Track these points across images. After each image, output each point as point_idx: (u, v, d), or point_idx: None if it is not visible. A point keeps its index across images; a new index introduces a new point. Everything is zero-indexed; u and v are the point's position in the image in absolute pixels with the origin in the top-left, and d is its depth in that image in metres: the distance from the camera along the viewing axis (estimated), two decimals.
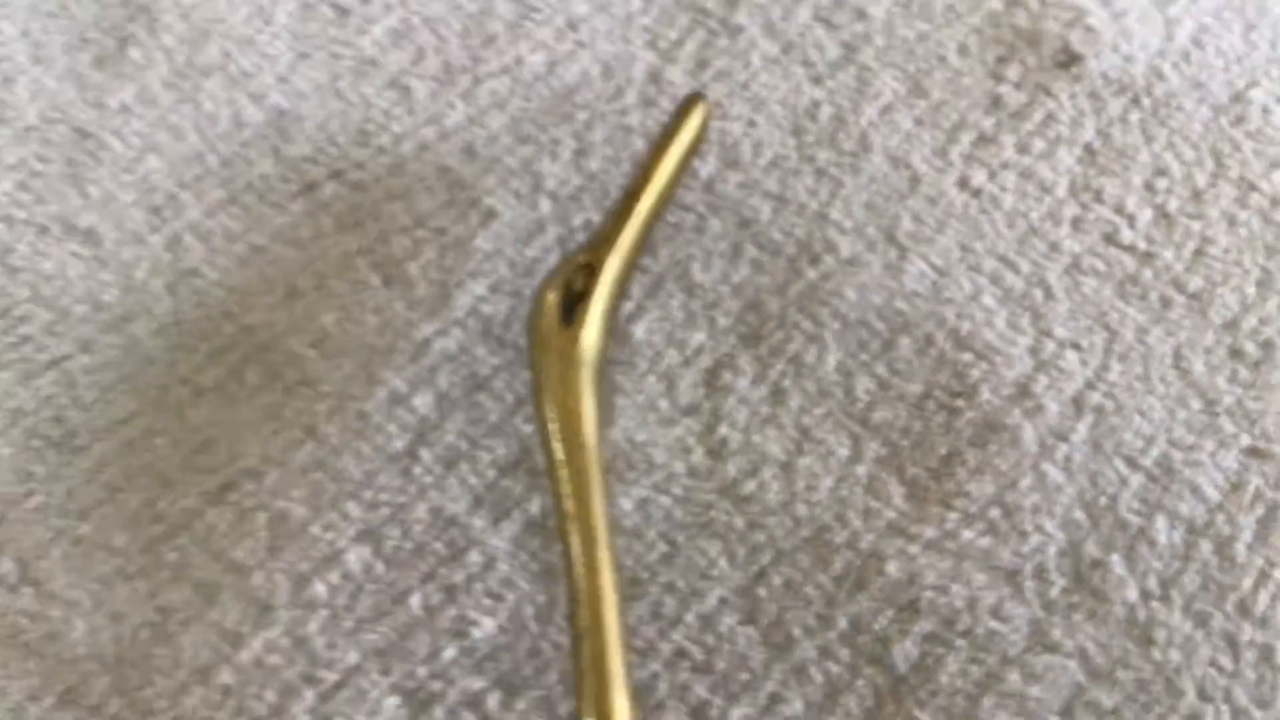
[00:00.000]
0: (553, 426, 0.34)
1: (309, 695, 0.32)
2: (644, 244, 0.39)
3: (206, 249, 0.41)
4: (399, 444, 0.37)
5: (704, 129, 0.41)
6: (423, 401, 0.37)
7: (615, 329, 0.38)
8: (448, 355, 0.39)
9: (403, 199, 0.42)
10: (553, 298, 0.37)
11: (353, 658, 0.33)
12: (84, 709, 0.32)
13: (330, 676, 0.32)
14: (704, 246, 0.41)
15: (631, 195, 0.39)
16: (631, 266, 0.39)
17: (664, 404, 0.38)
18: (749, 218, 0.42)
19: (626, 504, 0.35)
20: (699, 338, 0.39)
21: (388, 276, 0.40)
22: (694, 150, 0.41)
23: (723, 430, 0.37)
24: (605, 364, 0.37)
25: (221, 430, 0.37)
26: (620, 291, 0.38)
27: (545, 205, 0.42)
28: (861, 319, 0.39)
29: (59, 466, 0.36)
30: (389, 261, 0.41)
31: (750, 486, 0.36)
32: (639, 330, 0.39)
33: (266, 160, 0.44)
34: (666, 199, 0.40)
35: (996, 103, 0.45)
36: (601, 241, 0.38)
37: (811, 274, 0.40)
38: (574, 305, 0.36)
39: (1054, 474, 0.36)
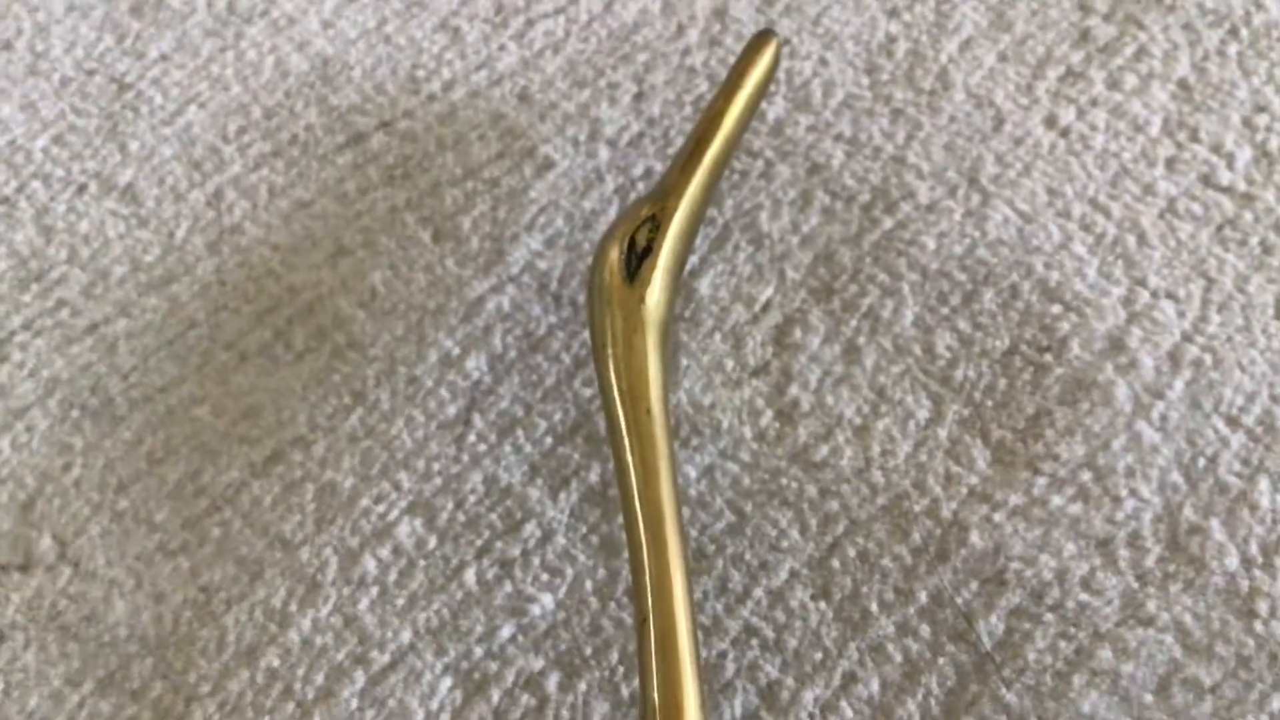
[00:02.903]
0: (616, 391, 0.32)
1: (359, 677, 0.31)
2: (711, 194, 0.37)
3: (250, 205, 0.40)
4: (451, 410, 0.35)
5: (774, 69, 0.39)
6: (476, 364, 0.36)
7: (681, 285, 0.36)
8: (501, 314, 0.37)
9: (454, 149, 0.41)
10: (615, 254, 0.35)
11: (405, 637, 0.31)
12: (125, 694, 0.31)
13: (381, 657, 0.31)
14: (772, 195, 0.39)
15: (698, 142, 0.37)
16: (698, 218, 0.36)
17: (730, 364, 0.36)
18: (820, 163, 0.40)
19: (691, 471, 0.34)
20: (767, 292, 0.37)
21: (438, 231, 0.39)
22: (763, 92, 0.39)
23: (793, 391, 0.35)
24: (671, 323, 0.35)
25: (267, 397, 0.36)
26: (687, 246, 0.36)
27: (603, 153, 0.40)
28: (942, 270, 0.37)
29: (97, 438, 0.35)
30: (440, 216, 0.39)
31: (823, 451, 0.34)
32: (704, 285, 0.37)
33: (312, 110, 0.42)
34: (734, 145, 0.38)
35: (1085, 36, 0.43)
36: (666, 192, 0.36)
37: (887, 222, 0.38)
38: (638, 261, 0.34)
39: (1149, 434, 0.34)
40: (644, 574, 0.29)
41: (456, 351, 0.36)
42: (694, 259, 0.37)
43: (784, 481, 0.33)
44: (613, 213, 0.39)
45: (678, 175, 0.36)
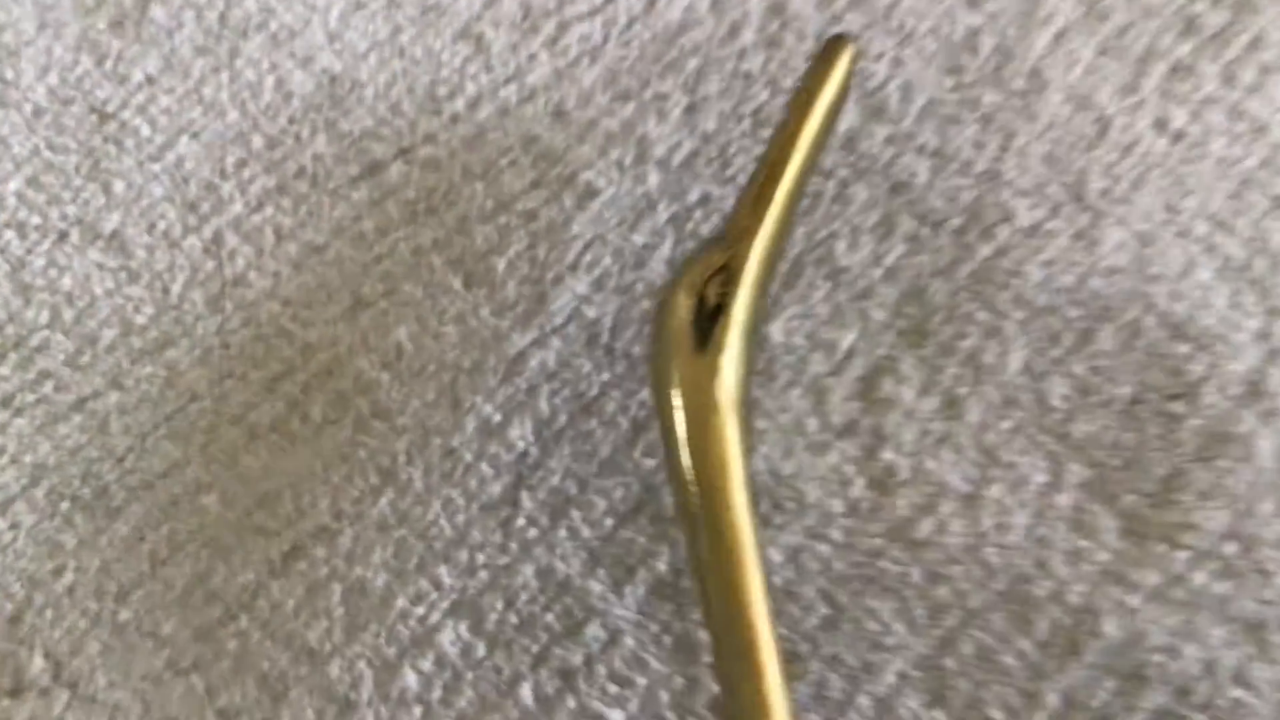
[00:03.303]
0: (688, 484, 0.28)
1: None
2: (788, 233, 0.32)
3: (254, 252, 0.35)
4: (495, 489, 0.30)
5: (849, 81, 0.34)
6: (520, 433, 0.31)
7: (760, 345, 0.32)
8: (547, 372, 0.32)
9: (483, 178, 0.36)
10: (682, 315, 0.30)
11: None
12: None
13: None
14: (850, 221, 0.34)
15: (769, 174, 0.31)
16: (775, 264, 0.31)
17: (813, 424, 0.31)
18: (903, 181, 0.35)
19: (776, 555, 0.29)
20: (850, 337, 0.32)
21: (469, 276, 0.34)
22: (839, 109, 0.33)
23: (887, 455, 0.30)
24: (750, 392, 0.30)
25: (283, 480, 0.31)
26: (765, 298, 0.31)
27: (653, 177, 0.35)
28: (1050, 304, 0.32)
29: (92, 534, 0.30)
30: (470, 257, 0.34)
31: (926, 527, 0.29)
32: (776, 331, 0.32)
33: (320, 138, 0.37)
34: (810, 174, 0.33)
35: (1192, 24, 0.37)
36: (737, 235, 0.30)
37: (984, 249, 0.33)
38: (708, 322, 0.30)
39: None
40: (731, 685, 0.25)
41: (498, 418, 0.31)
42: None
43: (883, 564, 0.29)
44: (667, 247, 0.34)
45: (749, 214, 0.31)
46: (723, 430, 0.28)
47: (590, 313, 0.33)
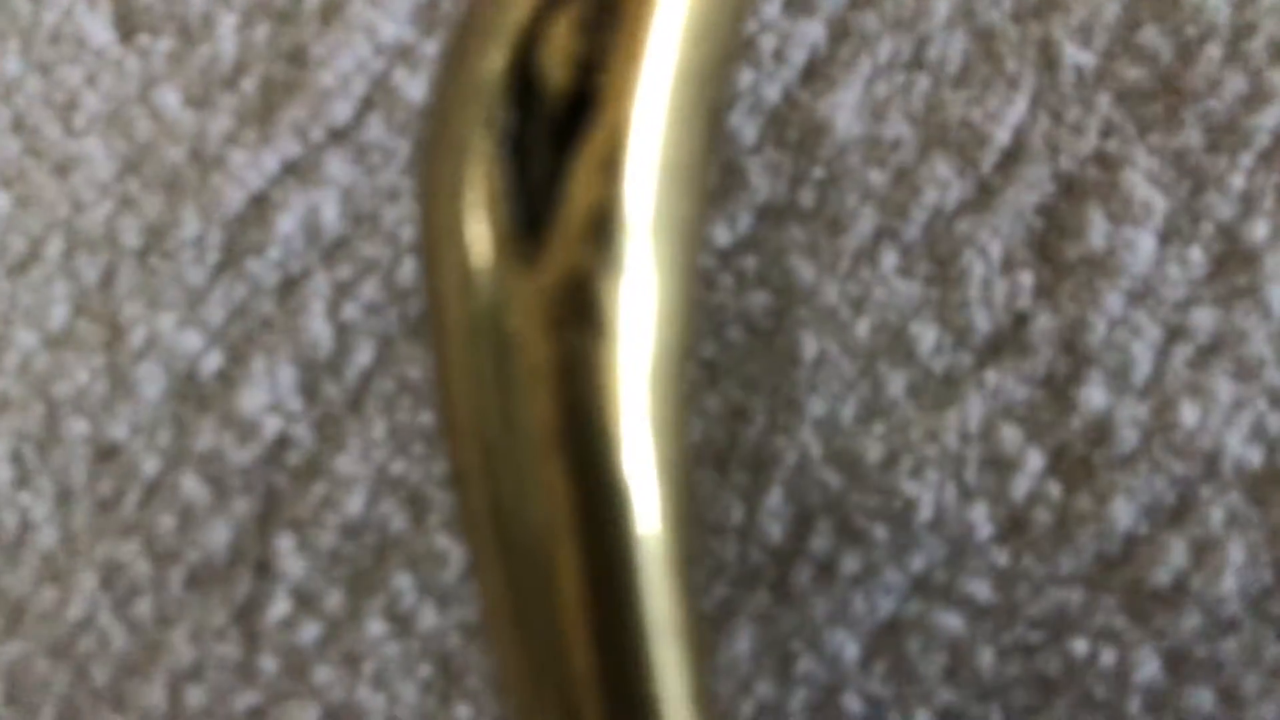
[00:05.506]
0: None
1: None
2: None
3: None
4: None
5: None
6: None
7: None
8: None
9: None
10: (480, 143, 0.10)
11: None
12: None
13: None
14: None
15: None
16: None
17: (926, 338, 0.14)
18: None
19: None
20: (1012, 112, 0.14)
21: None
22: None
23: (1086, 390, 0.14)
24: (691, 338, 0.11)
25: None
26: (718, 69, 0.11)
27: None
28: None
29: None
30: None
31: (1166, 572, 0.14)
32: (839, 117, 0.14)
33: None
34: None
35: None
36: None
37: None
38: (552, 154, 0.10)
39: None
40: None
41: None
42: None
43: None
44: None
45: None
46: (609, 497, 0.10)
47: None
